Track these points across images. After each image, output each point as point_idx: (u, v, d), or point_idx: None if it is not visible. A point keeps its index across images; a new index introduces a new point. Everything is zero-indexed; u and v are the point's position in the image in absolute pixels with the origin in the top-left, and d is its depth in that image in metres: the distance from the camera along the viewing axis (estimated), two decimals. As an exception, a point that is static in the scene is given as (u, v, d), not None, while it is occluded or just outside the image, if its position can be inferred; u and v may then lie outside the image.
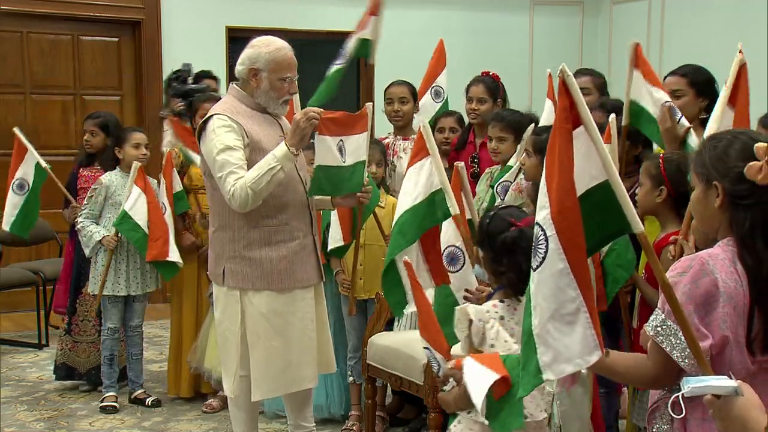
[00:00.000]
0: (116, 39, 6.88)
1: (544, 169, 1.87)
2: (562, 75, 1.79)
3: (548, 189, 1.85)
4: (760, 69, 6.09)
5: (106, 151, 4.66)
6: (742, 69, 3.02)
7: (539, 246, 1.86)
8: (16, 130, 4.65)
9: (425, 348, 2.54)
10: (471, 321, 2.41)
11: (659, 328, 1.83)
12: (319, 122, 3.24)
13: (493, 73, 4.49)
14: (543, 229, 1.86)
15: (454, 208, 3.00)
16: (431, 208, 3.04)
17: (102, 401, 4.54)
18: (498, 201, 3.75)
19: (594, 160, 1.85)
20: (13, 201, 4.58)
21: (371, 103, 3.48)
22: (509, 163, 3.84)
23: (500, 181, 3.84)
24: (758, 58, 6.11)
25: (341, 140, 3.38)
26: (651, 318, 1.86)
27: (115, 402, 4.53)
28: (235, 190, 3.14)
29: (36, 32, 6.61)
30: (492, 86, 4.40)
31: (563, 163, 1.82)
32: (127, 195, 4.34)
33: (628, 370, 1.95)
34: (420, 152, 3.11)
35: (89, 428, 4.29)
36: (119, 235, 4.38)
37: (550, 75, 3.83)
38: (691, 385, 1.60)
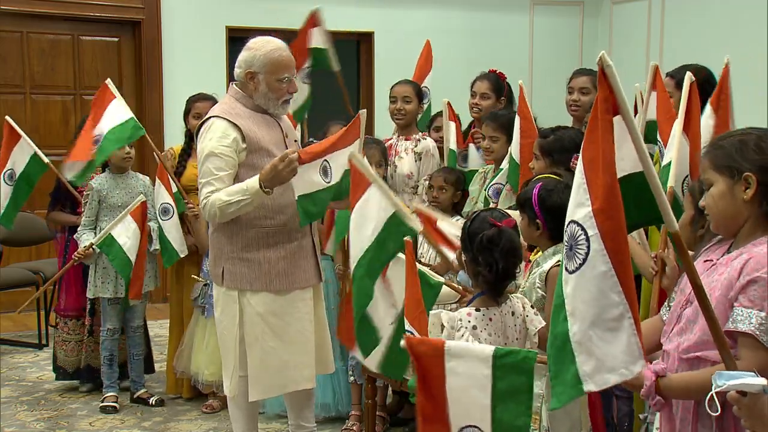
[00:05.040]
0: (116, 39, 6.88)
1: (580, 163, 1.77)
2: (602, 63, 1.69)
3: (589, 185, 1.74)
4: (761, 69, 6.09)
5: None
6: (692, 90, 3.01)
7: (578, 246, 1.75)
8: (7, 118, 4.55)
9: (408, 331, 2.52)
10: (443, 326, 2.40)
11: (763, 326, 1.80)
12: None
13: (499, 72, 4.49)
14: (583, 229, 1.74)
15: (417, 226, 2.81)
16: (393, 235, 2.79)
17: (102, 401, 4.54)
18: (491, 204, 3.75)
19: (626, 151, 1.76)
20: (4, 191, 4.49)
21: (365, 110, 3.41)
22: (501, 166, 3.84)
23: (491, 184, 3.83)
24: (758, 58, 6.11)
25: (325, 161, 3.26)
26: (744, 316, 1.83)
27: (116, 402, 4.53)
28: (207, 203, 3.18)
29: (36, 32, 6.61)
30: (497, 84, 4.41)
31: (607, 157, 1.70)
32: (117, 221, 4.30)
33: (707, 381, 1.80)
34: (360, 186, 2.84)
35: (89, 428, 4.29)
36: (94, 250, 4.33)
37: (521, 87, 3.80)
38: (724, 381, 1.58)
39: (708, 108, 3.04)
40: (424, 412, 2.09)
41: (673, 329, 2.04)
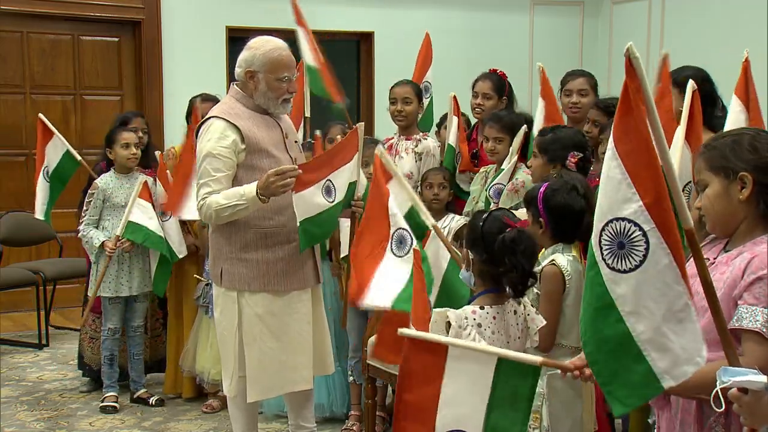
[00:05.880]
0: (116, 39, 6.87)
1: (616, 158, 1.72)
2: (629, 55, 1.64)
3: (634, 179, 1.69)
4: (761, 69, 6.08)
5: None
6: (695, 98, 3.00)
7: (634, 243, 1.71)
8: (40, 116, 4.60)
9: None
10: (450, 324, 2.39)
11: None
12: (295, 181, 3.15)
13: (500, 71, 4.48)
14: (637, 224, 1.70)
15: (429, 220, 2.97)
16: (411, 228, 2.94)
17: (102, 401, 4.54)
18: (492, 204, 3.76)
19: None
20: (44, 188, 4.57)
21: (362, 123, 3.41)
22: (502, 166, 3.84)
23: (492, 184, 3.83)
24: (759, 58, 6.10)
25: (328, 180, 3.29)
26: (749, 314, 1.84)
27: (116, 402, 4.53)
28: (203, 204, 3.19)
29: (36, 32, 6.60)
30: (498, 83, 4.40)
31: (650, 149, 1.67)
32: (130, 207, 4.31)
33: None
34: (384, 179, 2.98)
35: (89, 428, 4.29)
36: (120, 242, 4.33)
37: (543, 71, 3.79)
38: (729, 377, 1.57)
39: (736, 103, 3.03)
40: (407, 411, 2.02)
41: None
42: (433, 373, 1.98)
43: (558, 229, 2.78)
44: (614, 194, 1.73)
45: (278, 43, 3.33)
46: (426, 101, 4.73)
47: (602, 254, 1.75)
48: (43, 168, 4.58)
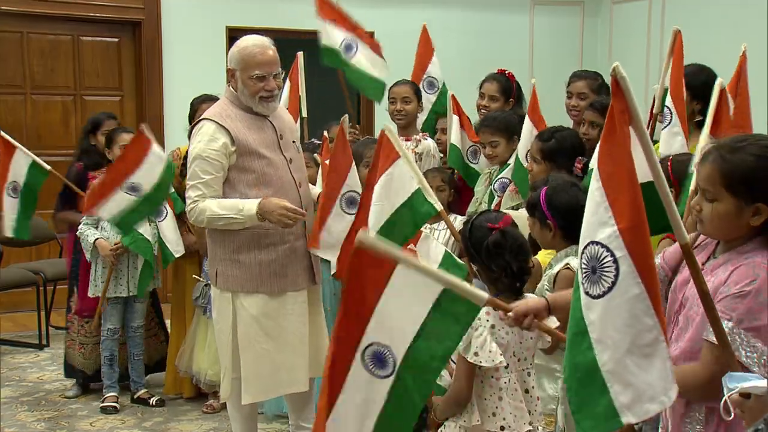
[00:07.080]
0: (116, 39, 6.87)
1: (598, 180, 1.69)
2: (615, 74, 1.61)
3: (611, 202, 1.65)
4: (760, 68, 6.09)
5: (90, 153, 4.67)
6: (722, 94, 3.01)
7: (605, 270, 1.65)
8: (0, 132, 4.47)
9: None
10: None
11: (730, 336, 1.75)
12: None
13: (509, 73, 4.43)
14: (609, 250, 1.65)
15: (437, 205, 2.99)
16: (413, 211, 3.01)
17: (102, 401, 4.54)
18: (496, 198, 3.75)
19: (637, 160, 1.67)
20: (10, 205, 4.43)
21: (346, 116, 3.39)
22: (508, 162, 3.84)
23: (498, 177, 3.82)
24: (758, 58, 6.11)
25: (345, 194, 3.31)
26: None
27: (116, 402, 4.53)
28: (194, 208, 3.20)
29: (36, 32, 6.60)
30: (506, 85, 4.35)
31: (630, 172, 1.62)
32: None
33: (684, 380, 1.78)
34: (389, 158, 3.05)
35: (90, 428, 4.30)
36: (118, 247, 4.33)
37: (534, 88, 3.77)
38: (735, 383, 1.56)
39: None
40: (347, 308, 1.89)
41: (672, 332, 2.03)
42: (376, 285, 1.85)
43: (569, 228, 2.71)
44: (592, 217, 1.70)
45: (254, 42, 3.30)
46: (433, 97, 4.62)
47: (581, 277, 1.72)
48: (7, 185, 4.37)
